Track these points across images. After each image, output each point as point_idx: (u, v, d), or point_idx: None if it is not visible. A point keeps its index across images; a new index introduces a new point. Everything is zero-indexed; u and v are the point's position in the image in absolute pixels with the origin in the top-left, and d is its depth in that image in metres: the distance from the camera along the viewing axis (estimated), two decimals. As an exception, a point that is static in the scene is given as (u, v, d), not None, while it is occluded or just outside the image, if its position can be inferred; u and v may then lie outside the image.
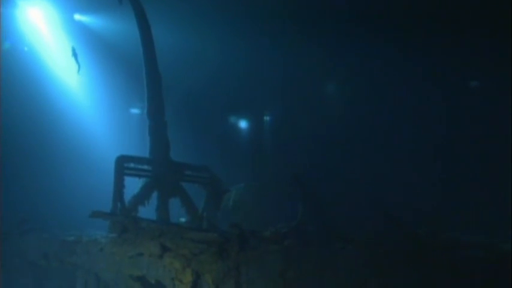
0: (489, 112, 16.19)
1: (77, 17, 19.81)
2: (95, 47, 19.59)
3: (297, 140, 18.59)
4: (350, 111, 18.19)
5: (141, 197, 12.95)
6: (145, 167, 13.25)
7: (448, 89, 17.29)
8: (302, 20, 17.49)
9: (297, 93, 18.94)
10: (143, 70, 14.27)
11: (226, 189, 14.58)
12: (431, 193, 15.64)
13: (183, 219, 13.86)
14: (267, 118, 21.32)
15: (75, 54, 18.16)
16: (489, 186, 14.56)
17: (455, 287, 7.92)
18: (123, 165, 12.71)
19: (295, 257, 9.20)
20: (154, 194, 13.35)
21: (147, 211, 13.19)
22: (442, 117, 17.24)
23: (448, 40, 16.29)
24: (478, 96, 17.36)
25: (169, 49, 15.72)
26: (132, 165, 12.97)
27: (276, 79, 18.92)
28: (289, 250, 9.44)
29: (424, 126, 17.31)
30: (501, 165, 14.63)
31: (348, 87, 18.70)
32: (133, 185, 13.35)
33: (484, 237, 9.84)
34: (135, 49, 14.80)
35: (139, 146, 14.97)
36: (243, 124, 21.82)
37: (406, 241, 9.48)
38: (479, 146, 15.91)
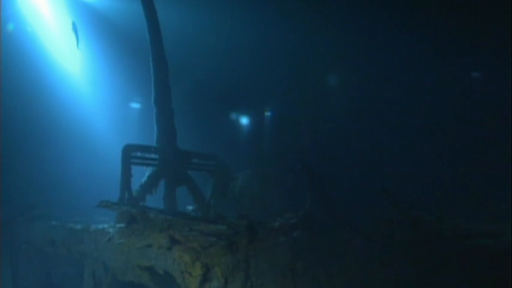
0: (498, 99, 16.04)
1: None
2: (98, 29, 19.34)
3: (303, 128, 18.46)
4: (357, 99, 18.03)
5: (149, 186, 12.88)
6: (152, 155, 13.14)
7: (459, 75, 17.11)
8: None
9: (304, 81, 18.73)
10: (149, 56, 14.03)
11: (233, 177, 14.49)
12: (437, 179, 15.61)
13: (190, 207, 13.83)
14: (273, 107, 21.10)
15: (75, 29, 17.81)
16: (492, 172, 14.54)
17: (464, 278, 7.88)
18: (130, 154, 12.61)
19: (304, 249, 9.17)
20: (162, 183, 13.29)
21: (154, 199, 13.16)
22: (448, 105, 17.09)
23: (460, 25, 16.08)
24: (488, 83, 17.18)
25: (176, 34, 15.47)
26: (139, 154, 12.86)
27: (284, 67, 18.68)
28: (298, 241, 9.39)
29: (430, 114, 17.18)
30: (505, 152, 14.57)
31: (356, 75, 18.46)
32: (140, 174, 13.30)
33: (487, 222, 9.83)
34: (141, 32, 14.56)
35: (143, 134, 14.89)
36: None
37: (413, 229, 9.46)
38: (486, 133, 15.81)
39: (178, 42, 15.96)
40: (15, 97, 16.32)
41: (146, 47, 14.21)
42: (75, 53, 19.27)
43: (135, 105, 20.98)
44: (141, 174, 13.25)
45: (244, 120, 21.78)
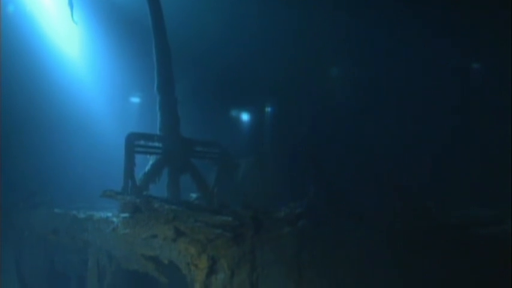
0: (499, 87, 15.95)
1: None
2: (99, 11, 19.02)
3: (306, 117, 18.35)
4: (360, 87, 17.88)
5: (152, 175, 12.77)
6: (156, 144, 13.02)
7: (461, 63, 17.00)
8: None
9: (306, 69, 18.51)
10: (151, 42, 13.79)
11: (236, 165, 14.44)
12: (439, 166, 15.59)
13: (193, 195, 13.78)
14: (276, 95, 20.81)
15: (71, 2, 17.47)
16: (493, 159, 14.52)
17: (467, 267, 7.87)
18: (134, 142, 12.47)
19: (309, 239, 9.15)
20: (165, 171, 13.19)
21: (158, 187, 13.09)
22: (450, 93, 16.98)
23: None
24: (489, 73, 17.07)
25: (178, 25, 15.19)
26: (142, 142, 12.73)
27: (286, 55, 18.41)
28: (303, 232, 9.36)
29: (432, 102, 17.08)
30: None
31: (358, 62, 18.27)
32: (143, 162, 13.20)
33: (489, 209, 9.82)
34: (144, 16, 14.26)
35: (145, 121, 14.76)
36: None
37: (417, 218, 9.43)
38: (488, 121, 15.75)
39: (181, 33, 15.68)
40: (14, 81, 16.14)
41: (148, 32, 13.95)
42: (75, 36, 19.05)
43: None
44: (144, 163, 13.16)
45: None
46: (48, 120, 17.22)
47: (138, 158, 12.72)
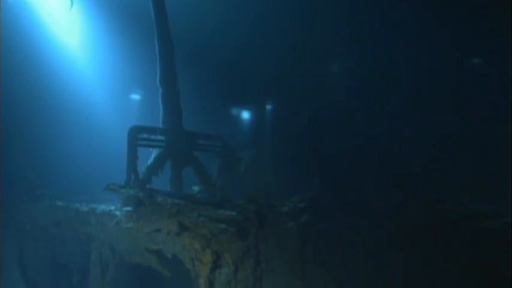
0: (498, 79, 15.89)
1: None
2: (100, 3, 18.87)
3: (308, 111, 18.27)
4: (362, 82, 17.81)
5: (155, 168, 12.70)
6: (159, 137, 12.93)
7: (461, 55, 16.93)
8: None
9: (306, 62, 18.39)
10: (153, 34, 13.67)
11: (239, 158, 14.40)
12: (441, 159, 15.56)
13: (196, 188, 13.75)
14: (278, 90, 20.68)
15: None
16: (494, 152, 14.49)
17: (472, 260, 7.87)
18: (136, 136, 12.38)
19: (313, 233, 9.13)
20: (167, 164, 13.13)
21: (160, 180, 13.05)
22: (451, 82, 16.91)
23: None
24: (489, 65, 17.00)
25: (180, 13, 15.07)
26: (145, 135, 12.64)
27: (288, 48, 18.31)
28: (307, 226, 9.34)
29: (433, 95, 17.03)
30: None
31: (358, 56, 18.16)
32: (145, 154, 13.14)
33: (489, 202, 9.80)
34: (146, 7, 14.13)
35: (146, 114, 14.65)
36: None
37: (419, 210, 9.42)
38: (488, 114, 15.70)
39: (183, 27, 15.55)
40: (14, 72, 16.01)
41: (150, 22, 13.79)
42: (75, 26, 18.90)
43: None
44: (147, 155, 13.10)
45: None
46: (48, 112, 17.10)
47: (141, 151, 12.65)
